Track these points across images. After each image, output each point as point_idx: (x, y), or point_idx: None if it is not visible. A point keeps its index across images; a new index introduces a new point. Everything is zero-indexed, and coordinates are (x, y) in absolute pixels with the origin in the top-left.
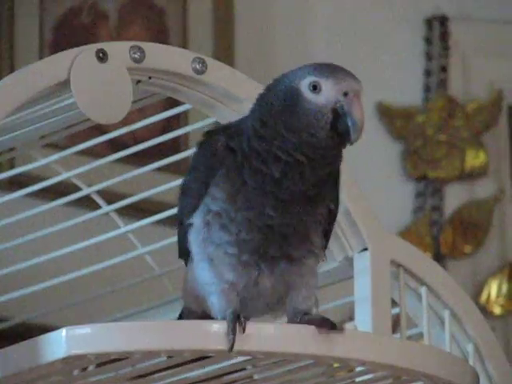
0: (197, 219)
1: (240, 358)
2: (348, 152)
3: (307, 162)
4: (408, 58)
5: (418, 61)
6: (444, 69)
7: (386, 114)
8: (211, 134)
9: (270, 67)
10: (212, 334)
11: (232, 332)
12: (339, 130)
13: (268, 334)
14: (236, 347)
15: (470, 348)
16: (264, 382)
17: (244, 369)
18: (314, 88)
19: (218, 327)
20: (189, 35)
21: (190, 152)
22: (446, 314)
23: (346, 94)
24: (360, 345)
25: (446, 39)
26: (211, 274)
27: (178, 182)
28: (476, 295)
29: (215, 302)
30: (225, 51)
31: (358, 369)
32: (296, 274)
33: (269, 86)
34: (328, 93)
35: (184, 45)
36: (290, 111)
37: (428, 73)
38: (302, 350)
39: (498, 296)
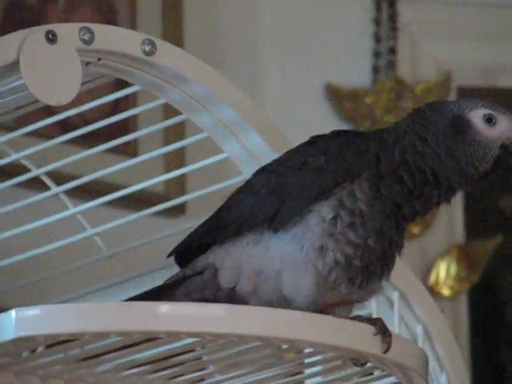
0: (325, 208)
1: (189, 340)
2: (296, 134)
3: (444, 189)
4: (356, 40)
5: (366, 42)
6: (392, 50)
7: (335, 95)
8: (357, 137)
9: (218, 48)
10: (161, 315)
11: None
12: (501, 166)
13: (217, 315)
14: (186, 328)
15: (418, 329)
16: (213, 363)
17: (193, 350)
18: (489, 121)
19: (166, 309)
20: (138, 16)
21: (139, 133)
22: (395, 296)
23: None
24: (308, 326)
25: (394, 20)
26: (312, 261)
27: (127, 162)
28: (424, 277)
29: (305, 283)
30: (174, 32)
31: (307, 350)
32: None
33: (424, 109)
34: (503, 128)
35: (133, 26)
36: (457, 138)
37: (376, 54)
38: (250, 331)
39: (446, 277)
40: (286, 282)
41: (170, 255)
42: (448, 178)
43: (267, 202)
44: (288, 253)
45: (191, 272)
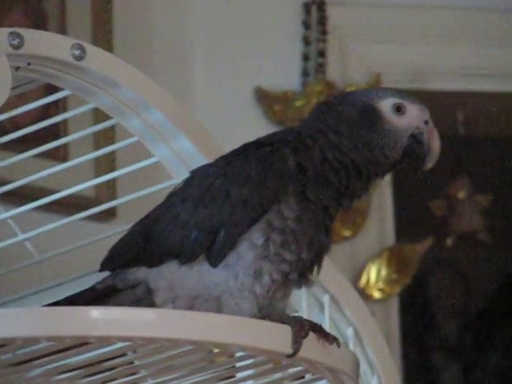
0: (255, 233)
1: (120, 344)
2: (227, 138)
3: (365, 180)
4: (286, 43)
5: (296, 45)
6: (322, 53)
7: (265, 98)
8: (274, 147)
9: (148, 53)
10: (92, 320)
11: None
12: (411, 155)
13: (148, 320)
14: (117, 332)
15: (349, 332)
16: (144, 367)
17: (125, 355)
18: (398, 110)
19: (97, 313)
20: (68, 21)
21: (69, 138)
22: (326, 299)
23: (426, 123)
24: (238, 330)
25: (323, 23)
26: (248, 287)
27: (57, 167)
28: (355, 279)
29: (245, 307)
30: (104, 37)
31: (239, 354)
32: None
33: (334, 102)
34: (412, 117)
35: (63, 31)
36: (368, 128)
37: (306, 57)
38: (181, 335)
39: (377, 280)
40: (226, 306)
41: (102, 269)
42: (366, 169)
43: (199, 237)
44: (223, 280)
45: (123, 285)
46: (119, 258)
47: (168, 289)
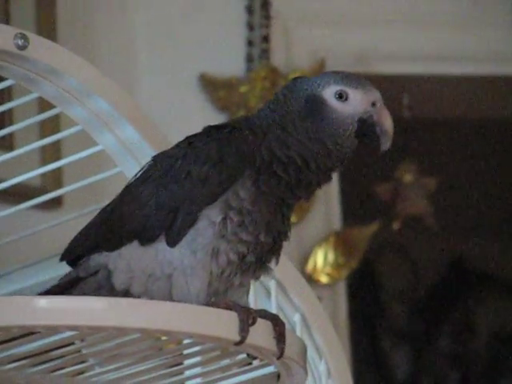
0: (213, 211)
1: (68, 333)
2: (172, 124)
3: (318, 172)
4: (230, 29)
5: (239, 31)
6: (266, 39)
7: (209, 85)
8: (235, 129)
9: (92, 41)
10: (38, 309)
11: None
12: (365, 139)
13: (95, 308)
14: (64, 322)
15: (296, 318)
16: (92, 356)
17: (72, 343)
18: (341, 96)
19: (44, 302)
20: (11, 10)
21: (14, 127)
22: (272, 285)
23: (373, 104)
24: (183, 317)
25: (267, 9)
26: (203, 264)
27: (3, 156)
28: (302, 264)
29: (195, 286)
30: (47, 26)
31: (186, 341)
32: (256, 277)
33: (282, 92)
34: (356, 102)
35: (6, 20)
36: (313, 119)
37: (250, 43)
38: (128, 323)
39: (324, 265)
40: (176, 285)
41: (62, 259)
42: (316, 161)
43: (159, 216)
44: (178, 257)
45: (85, 273)
46: (79, 247)
47: (126, 269)
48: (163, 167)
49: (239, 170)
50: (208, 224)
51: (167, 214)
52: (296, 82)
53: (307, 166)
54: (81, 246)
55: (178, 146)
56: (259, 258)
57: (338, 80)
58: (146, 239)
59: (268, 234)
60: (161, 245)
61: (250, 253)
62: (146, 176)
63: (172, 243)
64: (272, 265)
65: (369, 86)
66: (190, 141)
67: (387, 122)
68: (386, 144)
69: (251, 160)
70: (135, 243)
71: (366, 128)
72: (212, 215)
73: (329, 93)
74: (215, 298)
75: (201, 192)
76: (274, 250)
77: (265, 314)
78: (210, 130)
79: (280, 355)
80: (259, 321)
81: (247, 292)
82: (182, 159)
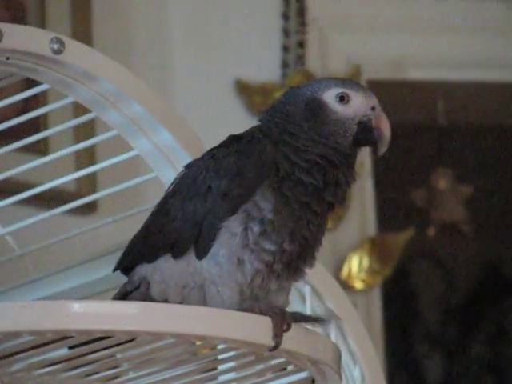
0: (234, 223)
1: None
2: (207, 130)
3: (342, 168)
4: (266, 35)
5: (275, 37)
6: (301, 44)
7: (245, 90)
8: (254, 139)
9: (128, 45)
10: (73, 313)
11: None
12: (362, 142)
13: (129, 313)
14: (98, 326)
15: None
16: (126, 361)
17: (106, 348)
18: (342, 99)
19: (78, 307)
20: (47, 15)
21: (49, 132)
22: (307, 291)
23: (373, 109)
24: (221, 322)
25: (303, 15)
26: (229, 275)
27: (38, 161)
28: (337, 270)
29: (227, 295)
30: (83, 30)
31: (221, 346)
32: (293, 281)
33: (281, 100)
34: (357, 105)
35: (42, 24)
36: (315, 121)
37: (286, 49)
38: (162, 328)
39: (359, 271)
40: (209, 294)
41: (115, 270)
42: (337, 156)
43: (187, 229)
44: (206, 268)
45: (131, 287)
46: (127, 257)
47: (161, 280)
48: (189, 180)
49: (258, 182)
50: (230, 236)
51: (193, 228)
52: (294, 89)
53: (330, 163)
54: (128, 256)
55: (202, 157)
56: (288, 265)
57: (339, 83)
58: (177, 252)
59: (293, 243)
60: (191, 257)
61: (276, 261)
62: (176, 188)
63: (199, 256)
64: (306, 269)
65: (368, 91)
66: (212, 153)
67: (386, 127)
68: (382, 148)
69: (271, 169)
70: (169, 256)
71: (364, 132)
72: (233, 227)
73: (330, 95)
74: (254, 302)
75: (221, 205)
76: (305, 257)
77: (299, 317)
78: (231, 141)
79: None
80: (294, 326)
81: (287, 294)
82: (204, 172)
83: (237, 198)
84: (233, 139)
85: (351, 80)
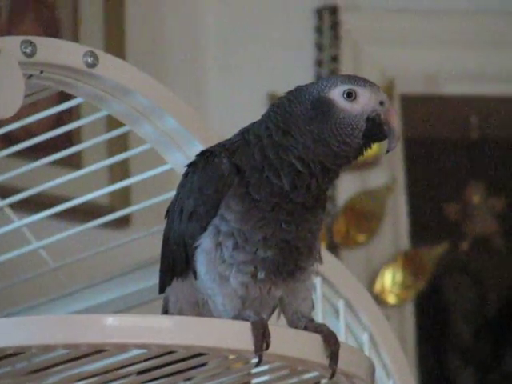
0: (205, 240)
1: (136, 352)
2: None
3: (320, 174)
4: (299, 49)
5: (309, 51)
6: (335, 59)
7: None
8: (211, 155)
9: (160, 60)
10: (107, 327)
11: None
12: (373, 138)
13: (163, 327)
14: (133, 340)
15: (365, 338)
16: (160, 374)
17: (141, 362)
18: (349, 96)
19: (112, 320)
20: (80, 28)
21: (82, 145)
22: (341, 304)
23: (381, 104)
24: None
25: (336, 29)
26: (220, 290)
27: (71, 175)
28: (370, 284)
29: (229, 307)
30: (116, 44)
31: (254, 360)
32: (300, 280)
33: (287, 97)
34: (365, 101)
35: (75, 38)
36: (321, 120)
37: (319, 63)
38: (196, 342)
39: (392, 285)
40: (212, 307)
41: (160, 293)
42: (321, 163)
43: (177, 251)
44: (202, 286)
45: (163, 307)
46: (161, 278)
47: (175, 299)
48: (172, 201)
49: (219, 195)
50: (205, 254)
51: (182, 250)
52: (300, 88)
53: (309, 169)
54: (160, 278)
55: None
56: (276, 270)
57: (346, 80)
58: (178, 274)
59: (269, 248)
60: (191, 278)
61: (259, 269)
62: (169, 209)
63: (194, 276)
64: (308, 266)
65: (376, 86)
66: (187, 171)
67: (395, 121)
68: (393, 143)
69: (232, 179)
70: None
71: (373, 127)
72: (206, 244)
73: (337, 93)
74: (264, 310)
75: (191, 225)
76: (295, 258)
77: (321, 329)
78: (199, 157)
79: (332, 375)
80: (308, 334)
81: (305, 294)
82: (180, 192)
83: (204, 215)
84: (198, 155)
85: (358, 76)
